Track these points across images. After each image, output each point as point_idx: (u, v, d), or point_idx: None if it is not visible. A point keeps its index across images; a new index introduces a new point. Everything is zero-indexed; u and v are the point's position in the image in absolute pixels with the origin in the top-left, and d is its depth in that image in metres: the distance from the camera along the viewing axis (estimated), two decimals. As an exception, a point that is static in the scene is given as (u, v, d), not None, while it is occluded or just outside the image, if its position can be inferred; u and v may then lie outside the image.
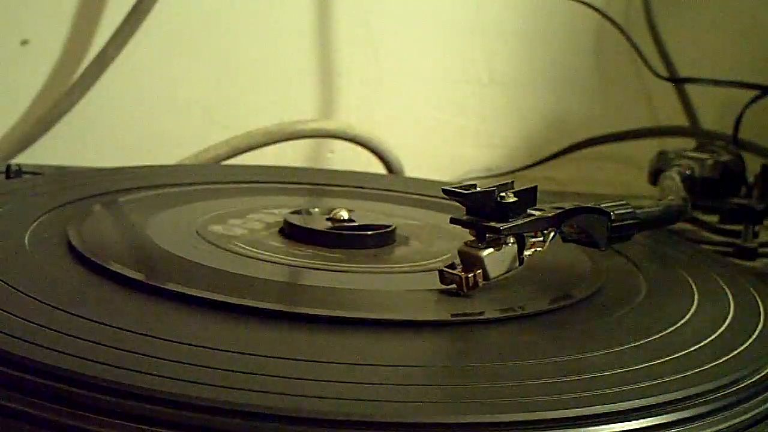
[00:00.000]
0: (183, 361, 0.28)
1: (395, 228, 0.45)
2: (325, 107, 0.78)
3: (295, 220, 0.44)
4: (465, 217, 0.37)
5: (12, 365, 0.27)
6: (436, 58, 0.80)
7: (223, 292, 0.34)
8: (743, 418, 0.30)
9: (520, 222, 0.37)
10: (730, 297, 0.40)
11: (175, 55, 0.74)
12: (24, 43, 0.71)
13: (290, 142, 0.69)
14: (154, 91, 0.74)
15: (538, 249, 0.38)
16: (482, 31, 0.80)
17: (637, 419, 0.28)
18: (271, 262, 0.40)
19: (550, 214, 0.38)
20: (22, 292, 0.32)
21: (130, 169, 0.56)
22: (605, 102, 0.83)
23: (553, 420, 0.27)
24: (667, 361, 0.32)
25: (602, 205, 0.39)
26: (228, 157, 0.66)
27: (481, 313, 0.36)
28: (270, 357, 0.29)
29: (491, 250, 0.37)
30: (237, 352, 0.29)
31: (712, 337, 0.35)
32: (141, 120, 0.74)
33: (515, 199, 0.37)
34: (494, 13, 0.80)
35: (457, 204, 0.38)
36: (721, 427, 0.29)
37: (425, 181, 0.62)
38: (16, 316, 0.30)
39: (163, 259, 0.39)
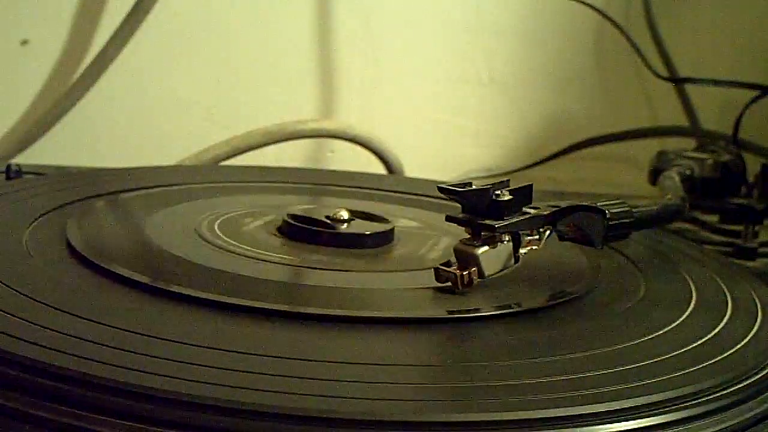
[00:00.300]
0: (182, 361, 0.28)
1: (394, 228, 0.45)
2: (325, 107, 0.78)
3: (295, 220, 0.44)
4: (460, 215, 0.37)
5: (12, 365, 0.27)
6: (436, 58, 0.80)
7: (223, 292, 0.35)
8: (743, 417, 0.30)
9: (515, 220, 0.37)
10: (729, 296, 0.40)
11: (175, 55, 0.74)
12: (24, 43, 0.71)
13: (290, 142, 0.69)
14: (154, 91, 0.74)
15: (534, 247, 0.38)
16: (482, 31, 0.80)
17: (635, 418, 0.28)
18: (270, 261, 0.40)
19: (545, 213, 0.38)
20: (22, 293, 0.32)
21: (130, 169, 0.56)
22: (605, 102, 0.83)
23: (550, 418, 0.27)
24: (665, 359, 0.32)
25: (598, 204, 0.39)
26: (228, 157, 0.66)
27: (476, 310, 0.36)
28: (268, 356, 0.29)
29: (486, 247, 0.37)
30: (236, 351, 0.29)
31: (711, 336, 0.35)
32: (141, 120, 0.74)
33: (510, 197, 0.37)
34: (494, 13, 0.80)
35: (456, 204, 0.38)
36: (720, 426, 0.29)
37: (425, 181, 0.62)
38: (16, 316, 0.30)
39: (162, 259, 0.39)
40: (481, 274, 0.37)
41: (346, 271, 0.40)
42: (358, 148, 0.71)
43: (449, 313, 0.35)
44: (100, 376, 0.26)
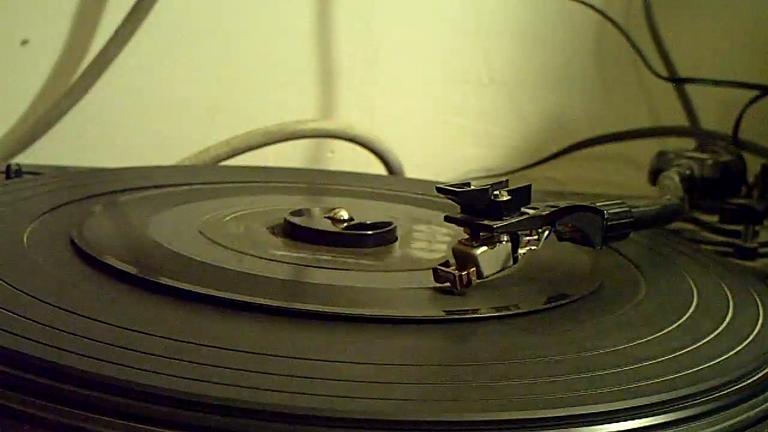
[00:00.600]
0: (184, 359, 0.28)
1: (394, 227, 0.45)
2: (325, 107, 0.78)
3: (296, 219, 0.44)
4: (459, 216, 0.37)
5: (12, 364, 0.27)
6: (436, 58, 0.80)
7: (225, 290, 0.35)
8: (743, 417, 0.30)
9: (513, 220, 0.37)
10: (730, 297, 0.40)
11: (175, 55, 0.74)
12: (24, 43, 0.71)
13: (290, 142, 0.69)
14: (154, 91, 0.74)
15: (533, 247, 0.38)
16: (482, 31, 0.80)
17: (636, 418, 0.28)
18: (270, 260, 0.40)
19: (544, 213, 0.38)
20: (22, 292, 0.33)
21: (130, 169, 0.56)
22: (605, 102, 0.83)
23: (550, 418, 0.27)
24: (666, 360, 0.32)
25: (597, 204, 0.39)
26: (228, 157, 0.66)
27: (475, 311, 0.36)
28: (268, 354, 0.29)
29: (485, 248, 0.37)
30: (237, 350, 0.29)
31: (712, 336, 0.35)
32: (141, 120, 0.74)
33: (509, 197, 0.37)
34: (494, 13, 0.80)
35: (455, 204, 0.38)
36: (720, 426, 0.29)
37: (425, 181, 0.62)
38: (16, 315, 0.30)
39: (164, 257, 0.39)
40: (479, 274, 0.37)
41: (346, 270, 0.40)
42: (358, 148, 0.71)
43: (447, 314, 0.35)
44: (100, 374, 0.26)
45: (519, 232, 0.37)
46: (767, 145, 0.72)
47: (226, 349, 0.29)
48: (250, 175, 0.57)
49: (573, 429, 0.27)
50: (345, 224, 0.44)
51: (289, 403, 0.26)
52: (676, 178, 0.54)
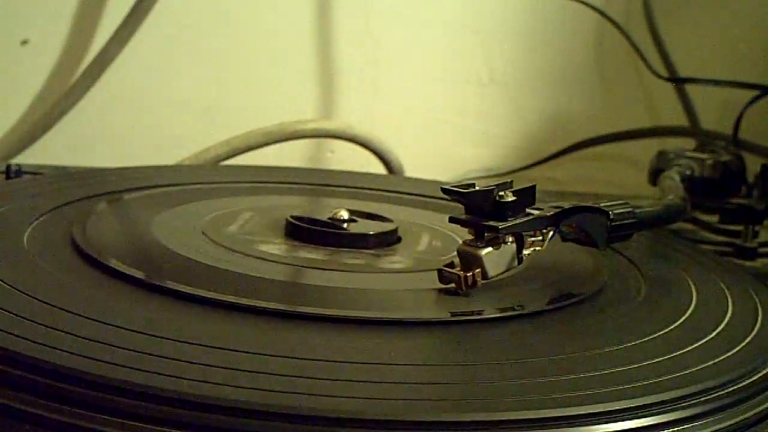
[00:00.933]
0: (184, 360, 0.28)
1: (396, 228, 0.45)
2: (325, 107, 0.78)
3: (296, 220, 0.44)
4: (464, 217, 0.37)
5: (12, 364, 0.27)
6: (436, 58, 0.80)
7: (226, 292, 0.35)
8: (743, 417, 0.30)
9: (519, 221, 0.37)
10: (729, 297, 0.40)
11: (175, 55, 0.74)
12: (24, 43, 0.71)
13: (290, 142, 0.69)
14: (154, 91, 0.74)
15: (537, 248, 0.38)
16: (482, 31, 0.80)
17: (636, 418, 0.28)
18: (272, 261, 0.40)
19: (548, 214, 0.38)
20: (22, 292, 0.32)
21: (130, 169, 0.56)
22: (605, 102, 0.83)
23: (552, 418, 0.27)
24: (666, 360, 0.32)
25: (601, 205, 0.39)
26: (228, 157, 0.66)
27: (480, 312, 0.36)
28: (270, 356, 0.29)
29: (490, 249, 0.37)
30: (238, 351, 0.29)
31: (711, 336, 0.35)
32: (141, 120, 0.74)
33: (514, 198, 0.37)
34: (494, 13, 0.80)
35: (457, 204, 0.38)
36: (720, 426, 0.29)
37: (425, 181, 0.62)
38: (16, 315, 0.30)
39: (166, 258, 0.39)
40: (484, 275, 0.37)
41: (349, 271, 0.40)
42: (358, 148, 0.71)
43: (453, 315, 0.35)
44: (100, 374, 0.26)
45: (524, 233, 0.37)
46: (767, 145, 0.72)
47: (228, 350, 0.29)
48: (250, 175, 0.57)
49: (573, 429, 0.27)
50: (346, 224, 0.44)
51: (293, 404, 0.26)
52: (677, 178, 0.54)
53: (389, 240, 0.44)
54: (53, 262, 0.37)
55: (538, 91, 0.82)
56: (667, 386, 0.29)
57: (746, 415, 0.30)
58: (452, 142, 0.81)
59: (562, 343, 0.34)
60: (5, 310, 0.30)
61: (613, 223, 0.39)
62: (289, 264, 0.40)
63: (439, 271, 0.37)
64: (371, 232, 0.44)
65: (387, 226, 0.45)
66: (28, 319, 0.30)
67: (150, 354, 0.28)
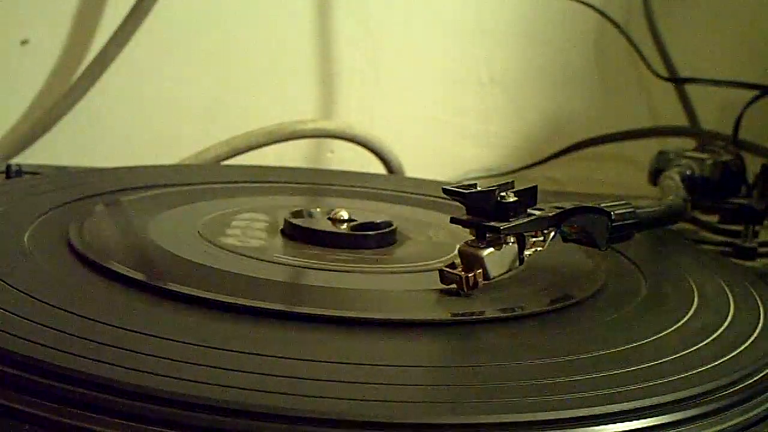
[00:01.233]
0: (183, 361, 0.28)
1: (396, 228, 0.45)
2: (325, 107, 0.78)
3: (296, 220, 0.44)
4: (465, 217, 0.37)
5: (12, 364, 0.27)
6: (436, 57, 0.80)
7: (224, 292, 0.34)
8: (743, 418, 0.30)
9: (520, 222, 0.37)
10: (730, 297, 0.40)
11: (175, 55, 0.74)
12: (24, 43, 0.71)
13: (290, 142, 0.69)
14: (154, 91, 0.74)
15: (539, 249, 0.38)
16: (482, 31, 0.80)
17: (637, 419, 0.28)
18: (271, 262, 0.40)
19: (550, 214, 0.38)
20: (22, 292, 0.32)
21: (130, 169, 0.56)
22: (605, 102, 0.83)
23: (554, 420, 0.27)
24: (667, 360, 0.32)
25: (602, 205, 0.39)
26: (228, 157, 0.66)
27: (481, 313, 0.36)
28: (270, 356, 0.29)
29: (491, 249, 0.37)
30: (238, 352, 0.29)
31: (712, 337, 0.35)
32: (141, 120, 0.74)
33: (516, 198, 0.37)
34: (494, 13, 0.80)
35: (458, 204, 0.38)
36: (721, 427, 0.29)
37: (425, 181, 0.62)
38: (16, 316, 0.30)
39: (163, 259, 0.39)
40: (486, 276, 0.37)
41: (349, 272, 0.40)
42: (358, 148, 0.71)
43: (454, 316, 0.35)
44: (100, 375, 0.26)
45: (525, 233, 0.37)
46: (767, 145, 0.72)
47: (227, 350, 0.29)
48: (250, 175, 0.57)
49: (573, 430, 0.27)
50: (345, 224, 0.44)
51: (294, 405, 0.26)
52: (677, 178, 0.54)
53: (389, 240, 0.44)
54: (53, 263, 0.37)
55: (538, 91, 0.82)
56: (669, 387, 0.29)
57: (747, 416, 0.30)
58: (452, 142, 0.81)
59: (563, 344, 0.34)
60: (5, 310, 0.30)
61: (614, 224, 0.39)
62: (288, 264, 0.40)
63: (441, 271, 0.37)
64: (371, 233, 0.44)
65: (387, 227, 0.45)
66: (27, 319, 0.30)
67: (149, 354, 0.28)
